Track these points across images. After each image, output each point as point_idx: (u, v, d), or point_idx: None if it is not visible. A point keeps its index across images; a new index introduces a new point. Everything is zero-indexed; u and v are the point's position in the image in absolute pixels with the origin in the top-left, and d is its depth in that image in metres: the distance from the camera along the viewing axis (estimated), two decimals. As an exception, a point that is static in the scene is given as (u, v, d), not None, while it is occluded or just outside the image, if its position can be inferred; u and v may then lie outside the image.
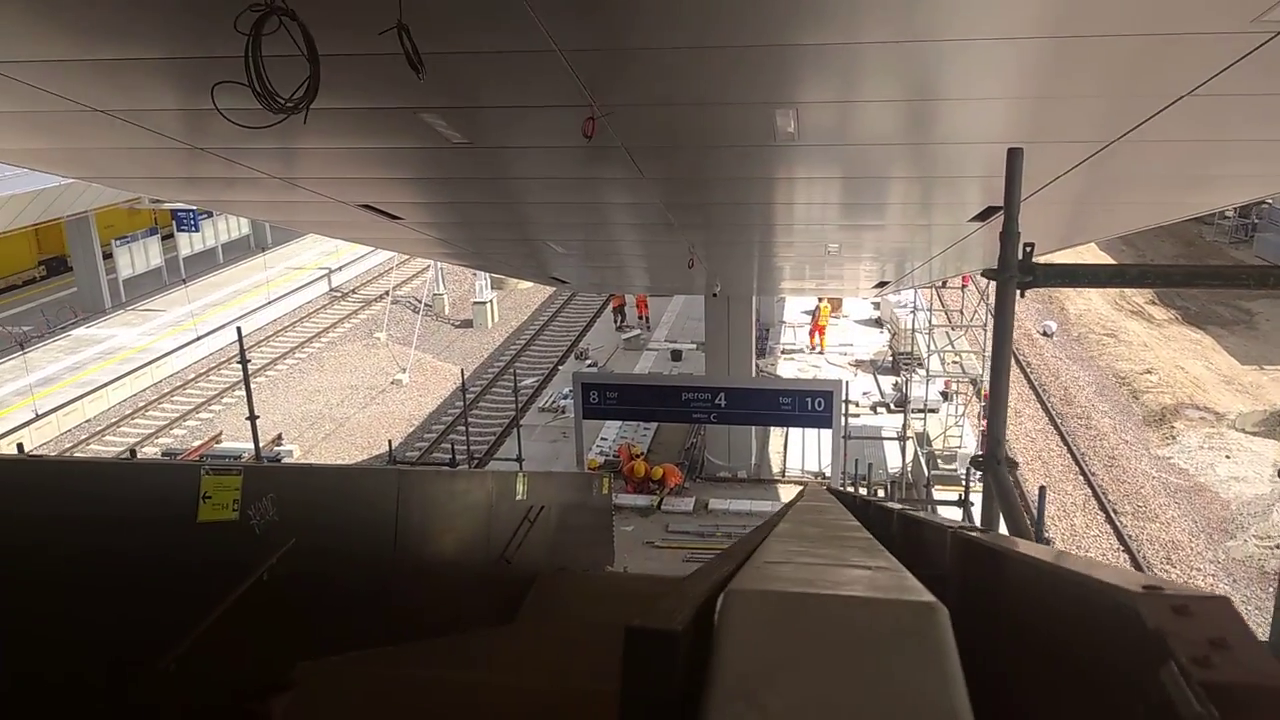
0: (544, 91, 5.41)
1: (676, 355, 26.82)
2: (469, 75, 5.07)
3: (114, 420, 23.49)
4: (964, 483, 12.30)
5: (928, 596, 1.30)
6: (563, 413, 22.71)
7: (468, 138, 6.41)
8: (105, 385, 24.37)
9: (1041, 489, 10.47)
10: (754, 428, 18.80)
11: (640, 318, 30.24)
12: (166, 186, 12.23)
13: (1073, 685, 1.36)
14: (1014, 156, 3.04)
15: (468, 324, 32.60)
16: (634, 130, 6.09)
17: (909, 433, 19.09)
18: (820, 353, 28.05)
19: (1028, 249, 2.83)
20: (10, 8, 4.27)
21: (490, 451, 21.11)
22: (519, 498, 8.45)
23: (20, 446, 15.05)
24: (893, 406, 23.37)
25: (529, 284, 34.72)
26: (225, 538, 4.13)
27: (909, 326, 23.01)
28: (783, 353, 27.82)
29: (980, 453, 2.76)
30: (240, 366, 13.72)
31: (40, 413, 22.18)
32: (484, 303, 32.60)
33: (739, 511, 17.51)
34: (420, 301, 32.84)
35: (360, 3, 3.81)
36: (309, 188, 8.94)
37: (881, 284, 18.88)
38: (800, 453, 20.14)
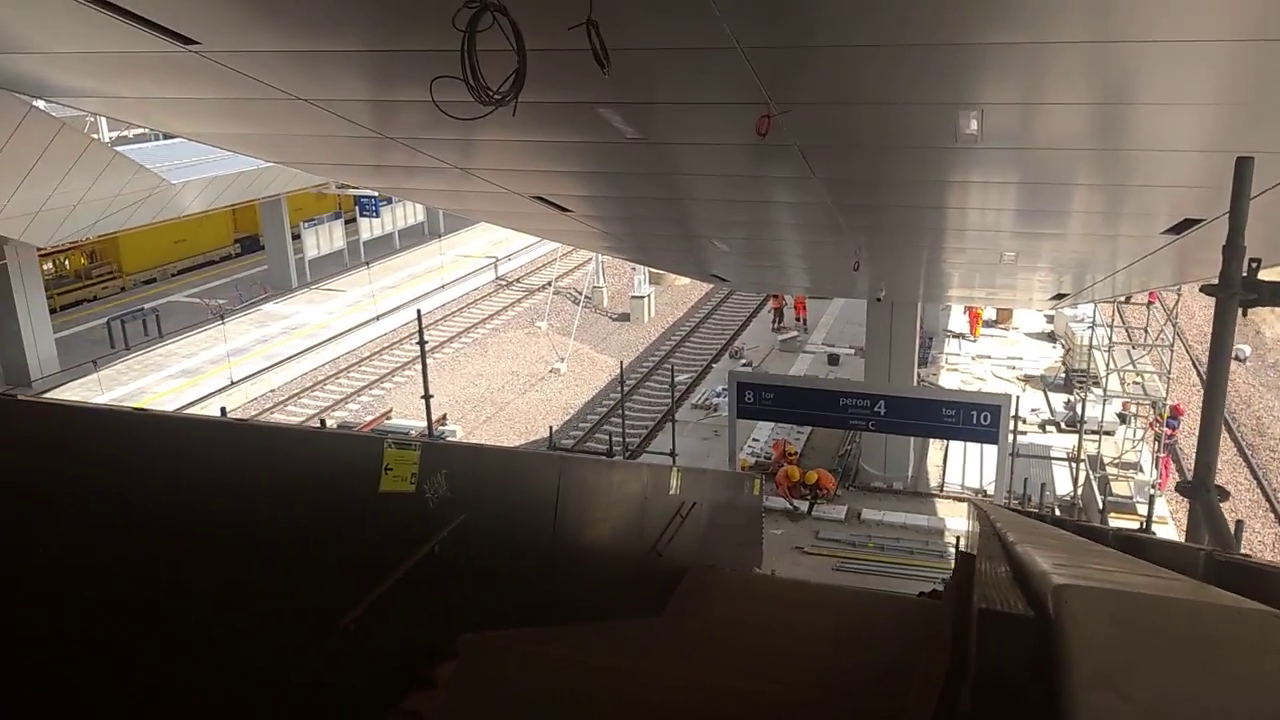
0: (720, 88, 5.42)
1: (834, 359, 26.36)
2: (648, 71, 5.14)
3: (295, 391, 25.11)
4: (1146, 510, 11.56)
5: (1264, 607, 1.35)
6: (715, 411, 22.71)
7: (641, 133, 6.49)
8: (288, 359, 26.08)
9: (1239, 523, 9.71)
10: (913, 439, 18.27)
11: (798, 319, 29.88)
12: (354, 172, 12.98)
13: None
14: (1243, 166, 2.83)
15: (625, 317, 33.07)
16: (809, 129, 6.03)
17: (1081, 455, 18.09)
18: (973, 340, 27.80)
19: (1253, 264, 2.63)
20: (236, 2, 4.62)
21: (643, 444, 21.36)
22: (672, 492, 8.52)
23: (223, 410, 16.25)
24: (1063, 426, 22.21)
25: (687, 280, 34.88)
26: (402, 509, 4.34)
27: (1085, 342, 21.77)
28: (946, 362, 26.90)
29: (1188, 479, 2.58)
30: (418, 347, 14.41)
31: (234, 380, 23.99)
32: (642, 297, 32.99)
33: (893, 524, 17.06)
34: (580, 293, 33.54)
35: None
36: (485, 178, 9.28)
37: (1059, 296, 17.96)
38: (960, 468, 19.43)
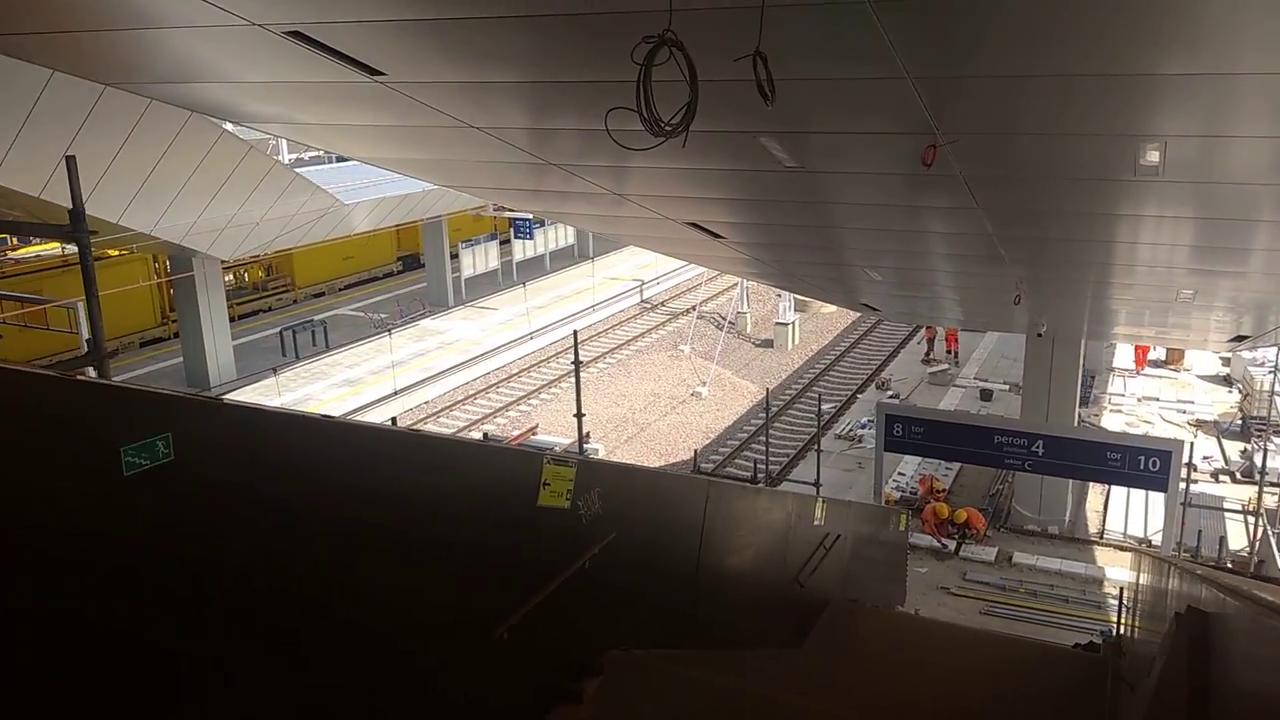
0: (886, 118, 5.38)
1: (986, 395, 25.41)
2: (812, 101, 5.15)
3: (447, 404, 26.08)
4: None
5: None
6: (859, 442, 22.26)
7: (799, 162, 6.50)
8: (442, 372, 27.14)
9: None
10: (1071, 481, 17.38)
11: (949, 352, 28.97)
12: (514, 196, 13.46)
13: None
14: None
15: (768, 344, 32.87)
16: (976, 159, 5.89)
17: (1260, 508, 16.79)
18: (1137, 373, 26.38)
19: None
20: (428, 41, 4.91)
21: (783, 472, 21.14)
22: (816, 523, 8.42)
23: (394, 420, 17.01)
24: (1239, 476, 20.67)
25: (833, 308, 34.39)
26: (556, 524, 4.47)
27: (1266, 388, 20.23)
28: (1109, 402, 25.51)
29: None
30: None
31: (397, 390, 25.21)
32: (786, 324, 32.72)
33: (1047, 569, 16.25)
34: (724, 318, 33.56)
35: (719, 31, 3.98)
36: (640, 203, 9.46)
37: (1238, 338, 16.79)
38: (1123, 515, 18.34)
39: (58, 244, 27.36)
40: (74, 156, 6.05)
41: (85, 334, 14.85)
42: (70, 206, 5.93)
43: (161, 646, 2.64)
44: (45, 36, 5.93)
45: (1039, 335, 16.31)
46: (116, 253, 25.49)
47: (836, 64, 4.45)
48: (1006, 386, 25.66)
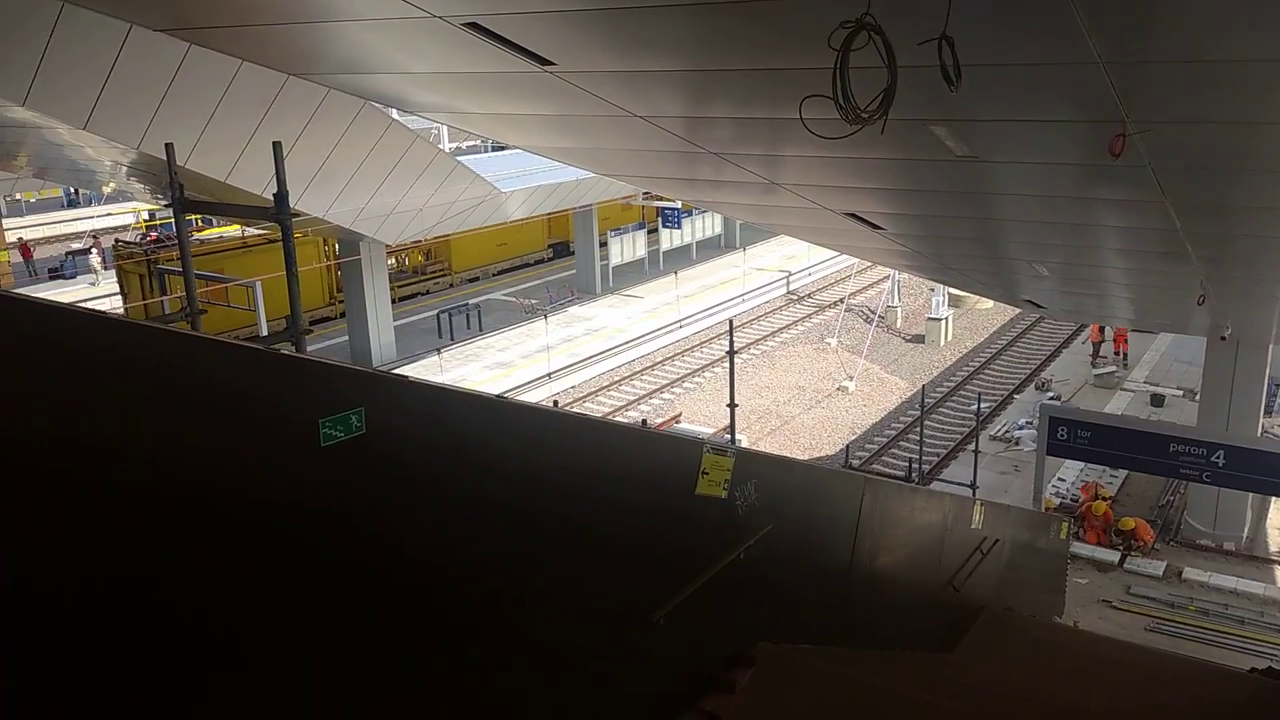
0: (1071, 105, 5.11)
1: (1157, 400, 23.88)
2: (992, 88, 4.93)
3: (592, 389, 26.52)
4: None
5: None
6: (1015, 444, 21.35)
7: (973, 151, 6.24)
8: (589, 358, 27.61)
9: None
10: (1251, 495, 16.14)
11: (1117, 353, 27.36)
12: (667, 184, 13.51)
13: None
14: None
15: (919, 339, 31.87)
16: (1168, 149, 5.51)
17: None
18: None
19: None
20: (595, 27, 4.97)
21: (933, 472, 20.51)
22: (973, 526, 8.12)
23: (555, 402, 17.45)
24: None
25: (989, 304, 33.04)
26: (713, 513, 4.47)
27: None
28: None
29: None
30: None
31: (551, 373, 25.88)
32: (939, 319, 31.63)
33: (1221, 587, 15.16)
34: (873, 312, 32.76)
35: (903, 14, 3.86)
36: (796, 192, 9.32)
37: None
38: (1310, 534, 16.94)
39: (238, 226, 29.29)
40: (279, 142, 6.42)
41: (262, 313, 15.80)
42: (275, 190, 6.27)
43: (348, 621, 2.78)
44: (235, 30, 6.34)
45: (1222, 338, 15.19)
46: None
47: (1023, 47, 4.25)
48: (1180, 392, 24.07)
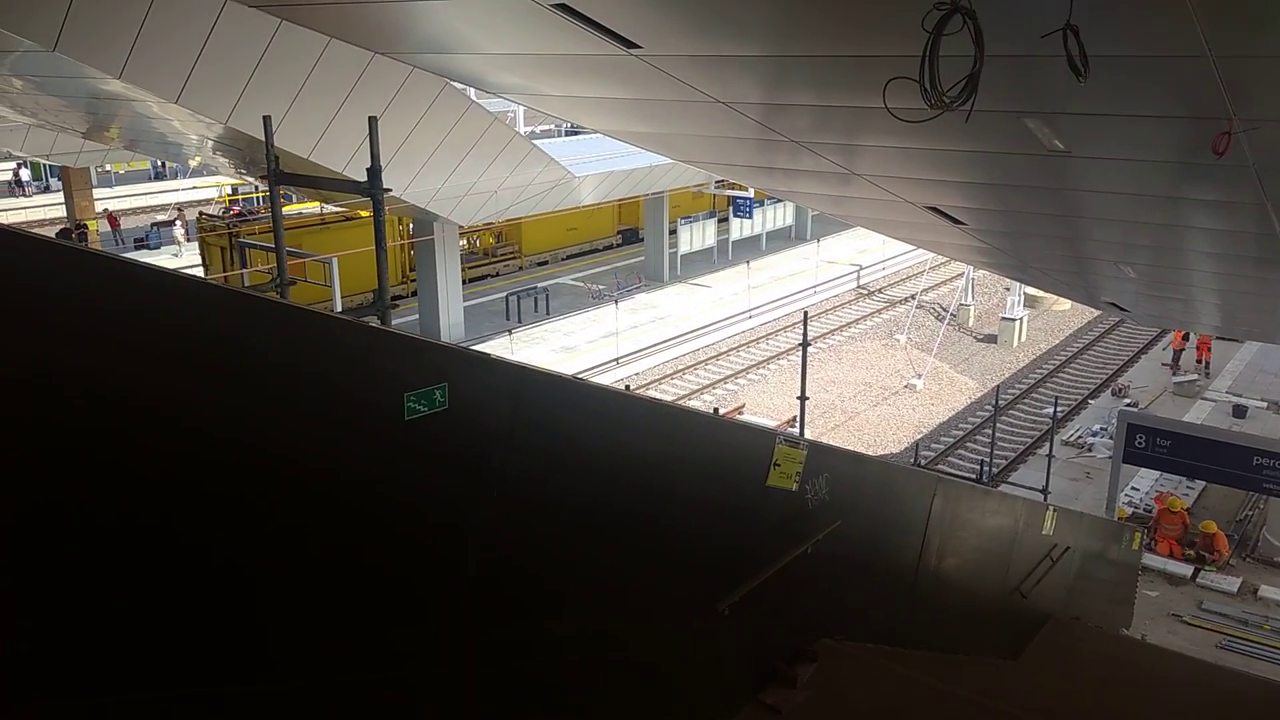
0: (1174, 100, 4.91)
1: (1239, 411, 23.04)
2: (1093, 81, 4.76)
3: (656, 378, 26.51)
4: None
5: None
6: (1088, 450, 20.81)
7: (1065, 146, 6.05)
8: (654, 345, 27.60)
9: None
10: (1338, 514, 15.52)
11: (1199, 361, 26.44)
12: (742, 172, 13.39)
13: None
14: None
15: (991, 339, 31.21)
16: (1276, 149, 5.28)
17: None
18: None
19: None
20: (683, 10, 4.92)
21: (1002, 474, 20.09)
22: (1045, 532, 7.93)
23: (628, 386, 17.49)
24: None
25: (1067, 305, 32.20)
26: (783, 505, 4.43)
27: None
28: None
29: None
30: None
31: (619, 358, 25.99)
32: (1013, 319, 30.91)
33: (1299, 608, 14.64)
34: (945, 310, 32.17)
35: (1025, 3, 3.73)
36: (875, 183, 9.15)
37: None
38: (1398, 557, 16.19)
39: (316, 203, 29.89)
40: (375, 117, 6.48)
41: (338, 289, 16.06)
42: (369, 165, 6.33)
43: (419, 594, 2.81)
44: (326, 7, 6.41)
45: (1315, 350, 14.57)
46: (367, 214, 27.51)
47: (1129, 40, 4.09)
48: (1264, 404, 23.20)
